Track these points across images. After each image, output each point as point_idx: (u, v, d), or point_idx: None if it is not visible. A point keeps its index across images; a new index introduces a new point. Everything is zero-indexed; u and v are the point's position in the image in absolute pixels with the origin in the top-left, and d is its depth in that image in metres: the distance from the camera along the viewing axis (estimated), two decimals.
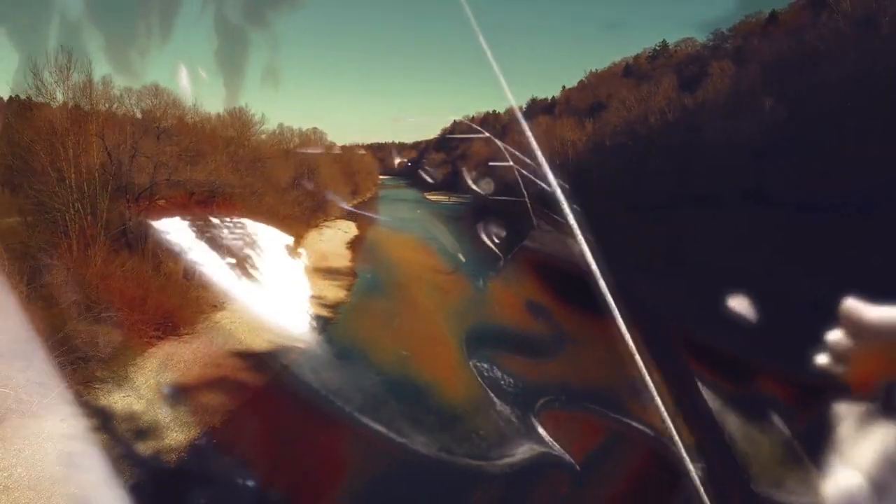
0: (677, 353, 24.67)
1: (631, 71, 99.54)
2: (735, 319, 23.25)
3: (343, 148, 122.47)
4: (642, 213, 41.53)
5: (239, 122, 59.56)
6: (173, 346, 30.82)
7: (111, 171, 34.95)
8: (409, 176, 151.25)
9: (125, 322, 29.30)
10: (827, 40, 38.32)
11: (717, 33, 76.27)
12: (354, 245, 68.75)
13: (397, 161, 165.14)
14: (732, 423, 22.72)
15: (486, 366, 29.63)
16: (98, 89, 37.84)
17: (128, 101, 39.52)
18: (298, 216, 64.02)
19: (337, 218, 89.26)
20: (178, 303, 34.21)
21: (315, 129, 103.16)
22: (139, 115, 38.99)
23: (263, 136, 67.72)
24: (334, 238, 71.60)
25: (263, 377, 29.45)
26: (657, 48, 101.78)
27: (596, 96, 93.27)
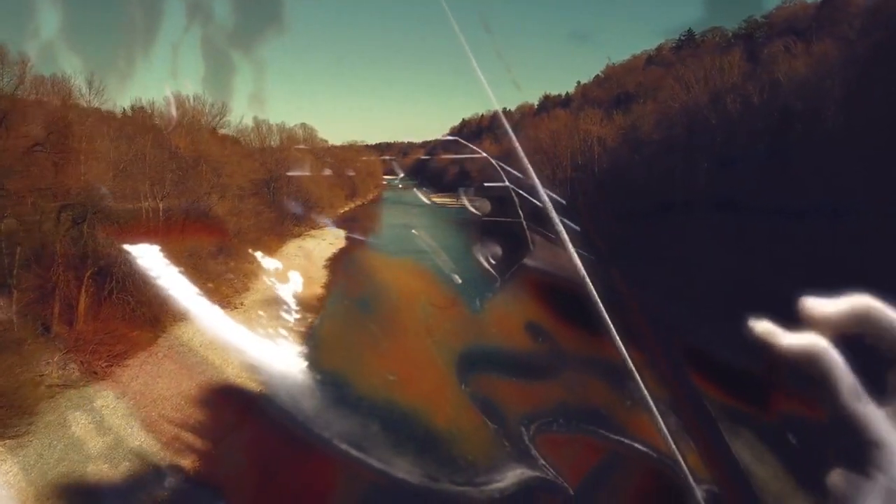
0: (681, 371, 23.63)
1: (654, 62, 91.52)
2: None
3: (341, 147, 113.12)
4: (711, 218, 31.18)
5: (187, 110, 47.57)
6: None
7: None
8: (416, 177, 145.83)
9: None
10: None
11: (749, 21, 71.65)
12: (336, 262, 56.63)
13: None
14: (741, 442, 21.17)
15: (478, 389, 27.44)
16: None
17: None
18: (267, 228, 51.86)
19: (326, 226, 77.57)
20: None
21: (304, 124, 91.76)
22: None
23: (224, 131, 55.77)
24: (313, 253, 59.33)
25: None
26: (682, 37, 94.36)
27: (621, 86, 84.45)
